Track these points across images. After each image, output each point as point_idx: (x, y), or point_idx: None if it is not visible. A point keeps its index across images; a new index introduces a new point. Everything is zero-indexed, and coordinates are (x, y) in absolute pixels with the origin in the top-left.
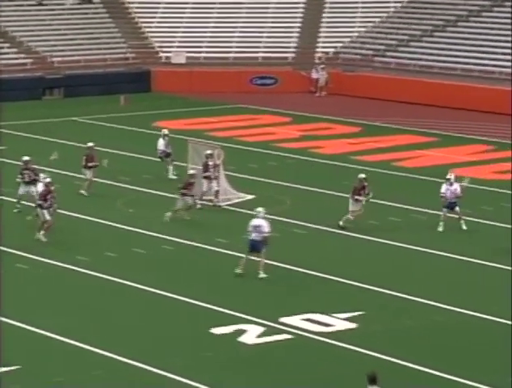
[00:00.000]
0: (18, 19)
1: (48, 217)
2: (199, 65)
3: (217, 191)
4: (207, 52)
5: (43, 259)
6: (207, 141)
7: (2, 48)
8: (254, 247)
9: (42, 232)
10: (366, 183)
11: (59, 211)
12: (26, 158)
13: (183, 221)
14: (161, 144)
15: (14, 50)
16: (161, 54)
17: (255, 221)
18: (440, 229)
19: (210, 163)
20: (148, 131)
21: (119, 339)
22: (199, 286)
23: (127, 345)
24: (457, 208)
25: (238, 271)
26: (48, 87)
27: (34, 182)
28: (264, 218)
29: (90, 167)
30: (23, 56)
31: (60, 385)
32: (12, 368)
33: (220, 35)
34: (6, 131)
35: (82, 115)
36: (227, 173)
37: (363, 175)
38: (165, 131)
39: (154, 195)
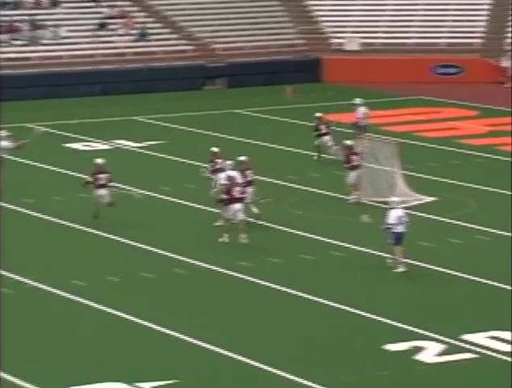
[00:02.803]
0: (179, 3)
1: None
2: (375, 53)
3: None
4: (383, 37)
5: (201, 264)
6: (383, 136)
7: (162, 33)
8: (400, 240)
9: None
10: None
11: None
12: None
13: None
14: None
15: (175, 36)
16: (333, 40)
17: (397, 212)
18: None
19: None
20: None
21: (286, 353)
22: (372, 298)
23: (294, 360)
24: None
25: (401, 270)
26: (209, 77)
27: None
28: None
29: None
30: (183, 42)
31: None
32: (169, 382)
33: (399, 19)
34: (164, 124)
35: (245, 108)
36: (404, 172)
37: None
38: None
39: (323, 195)
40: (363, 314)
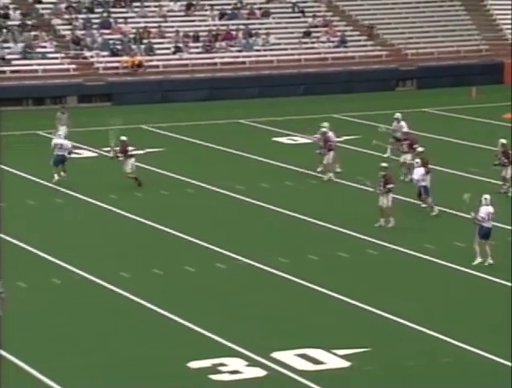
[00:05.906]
0: (375, 13)
1: None
2: None
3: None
4: None
5: (389, 246)
6: None
7: (360, 40)
8: (488, 236)
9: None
10: None
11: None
12: None
13: None
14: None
15: (371, 43)
16: None
17: (488, 209)
18: None
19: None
20: (498, 122)
21: (469, 329)
22: None
23: (480, 338)
24: None
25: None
26: (401, 79)
27: None
28: None
29: None
30: (378, 48)
31: (410, 370)
32: (362, 350)
33: None
34: (359, 121)
35: (433, 107)
36: None
37: None
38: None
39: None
40: None
